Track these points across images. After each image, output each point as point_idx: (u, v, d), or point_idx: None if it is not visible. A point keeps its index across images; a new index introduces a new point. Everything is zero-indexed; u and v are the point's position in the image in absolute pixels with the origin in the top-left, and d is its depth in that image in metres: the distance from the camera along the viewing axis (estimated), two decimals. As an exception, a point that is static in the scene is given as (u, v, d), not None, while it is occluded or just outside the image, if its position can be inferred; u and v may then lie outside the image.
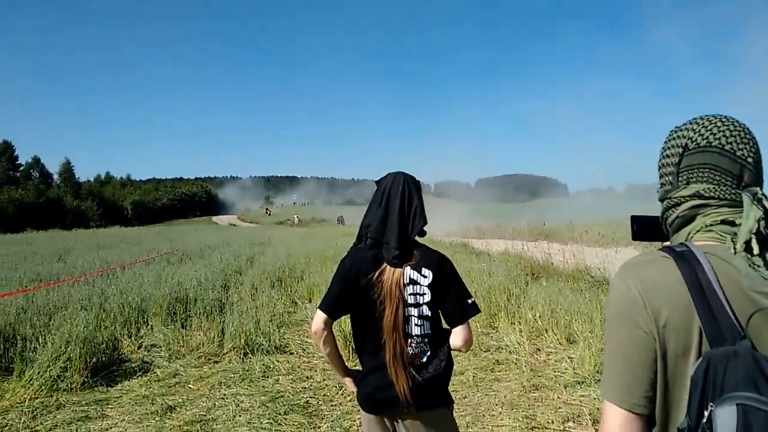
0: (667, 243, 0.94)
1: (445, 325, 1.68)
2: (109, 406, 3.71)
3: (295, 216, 78.15)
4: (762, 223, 0.78)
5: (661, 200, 0.95)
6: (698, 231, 0.86)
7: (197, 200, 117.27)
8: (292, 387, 4.06)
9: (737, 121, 0.89)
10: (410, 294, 1.60)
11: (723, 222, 0.84)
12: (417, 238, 1.67)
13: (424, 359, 1.61)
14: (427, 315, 1.61)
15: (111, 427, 3.37)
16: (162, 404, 3.67)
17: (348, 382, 1.80)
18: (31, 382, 3.90)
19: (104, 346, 4.68)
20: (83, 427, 3.36)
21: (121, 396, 3.88)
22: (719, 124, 0.89)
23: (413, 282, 1.61)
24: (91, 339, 4.35)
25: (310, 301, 7.42)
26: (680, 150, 0.92)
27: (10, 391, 3.90)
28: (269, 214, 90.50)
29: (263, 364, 4.50)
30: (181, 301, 6.25)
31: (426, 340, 1.61)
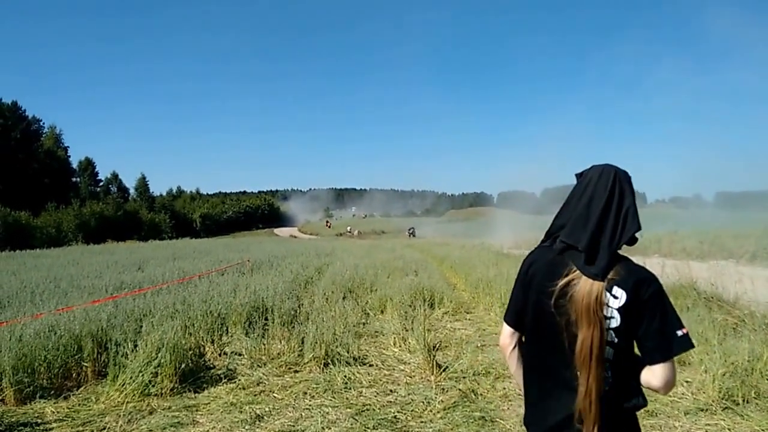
0: None
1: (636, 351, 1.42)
2: (199, 412, 3.77)
3: (348, 228, 79.78)
4: None
5: None
6: None
7: (260, 213, 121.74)
8: (377, 400, 3.96)
9: None
10: None
11: None
12: (625, 247, 1.41)
13: (607, 387, 1.37)
14: (614, 342, 1.36)
15: (203, 434, 3.41)
16: (250, 413, 3.68)
17: None
18: (124, 387, 4.04)
19: (191, 352, 4.81)
20: (176, 433, 3.42)
21: (209, 403, 3.94)
22: None
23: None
24: (179, 346, 4.47)
25: (382, 312, 7.34)
26: None
27: (104, 394, 4.05)
28: (329, 227, 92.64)
29: (344, 376, 4.44)
30: (258, 310, 6.36)
31: (607, 365, 1.37)
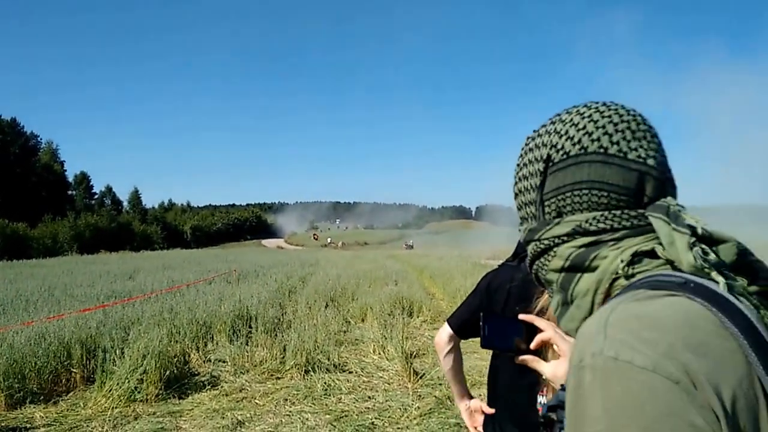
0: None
1: None
2: (182, 418, 3.68)
3: (329, 239, 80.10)
4: (697, 250, 0.45)
5: (526, 243, 0.61)
6: (616, 278, 0.50)
7: (248, 225, 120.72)
8: (355, 407, 3.91)
9: (623, 108, 0.55)
10: None
11: (643, 254, 0.49)
12: None
13: None
14: None
15: (186, 440, 3.33)
16: (232, 419, 3.60)
17: (464, 411, 1.46)
18: (110, 393, 3.93)
19: (176, 359, 4.70)
20: (160, 439, 3.33)
21: (192, 409, 3.85)
22: (596, 116, 0.55)
23: None
24: (165, 353, 4.37)
25: (362, 320, 7.29)
26: (541, 166, 0.57)
27: (92, 400, 3.93)
28: (316, 239, 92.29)
29: (324, 382, 4.39)
30: (242, 318, 6.25)
31: None
